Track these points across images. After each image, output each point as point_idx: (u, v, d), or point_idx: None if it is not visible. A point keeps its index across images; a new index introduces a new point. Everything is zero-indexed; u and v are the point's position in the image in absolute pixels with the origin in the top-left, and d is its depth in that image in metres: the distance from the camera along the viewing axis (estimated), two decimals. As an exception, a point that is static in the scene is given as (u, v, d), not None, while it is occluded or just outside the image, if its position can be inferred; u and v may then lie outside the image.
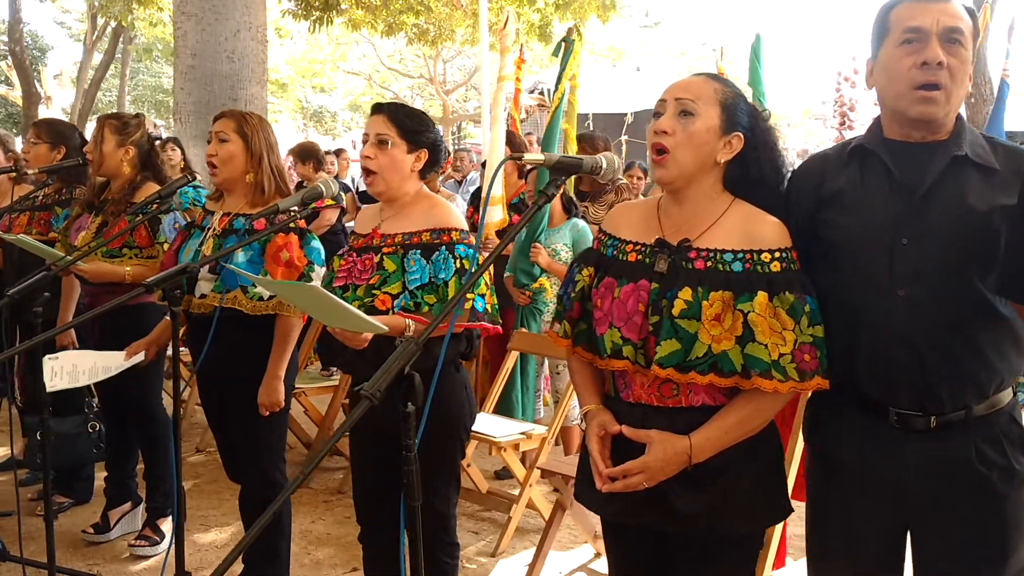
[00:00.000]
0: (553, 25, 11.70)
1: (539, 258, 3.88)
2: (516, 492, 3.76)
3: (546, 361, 4.01)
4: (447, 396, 2.44)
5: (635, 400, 1.86)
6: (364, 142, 2.44)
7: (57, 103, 19.04)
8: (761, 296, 1.72)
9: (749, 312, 1.71)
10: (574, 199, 4.18)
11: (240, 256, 2.77)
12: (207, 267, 2.80)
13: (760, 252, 1.76)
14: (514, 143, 4.75)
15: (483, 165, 5.43)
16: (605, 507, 1.91)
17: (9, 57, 18.96)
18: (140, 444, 3.64)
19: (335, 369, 4.85)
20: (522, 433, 3.68)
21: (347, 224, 6.86)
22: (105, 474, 3.81)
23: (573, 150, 4.70)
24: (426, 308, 2.34)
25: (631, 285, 1.82)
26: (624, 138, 11.01)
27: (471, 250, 2.39)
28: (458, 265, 2.35)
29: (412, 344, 1.48)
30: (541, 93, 14.25)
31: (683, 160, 1.79)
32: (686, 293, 1.75)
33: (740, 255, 1.76)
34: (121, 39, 18.96)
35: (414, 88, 32.16)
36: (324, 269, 2.87)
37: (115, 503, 3.75)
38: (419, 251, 2.37)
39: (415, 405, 1.47)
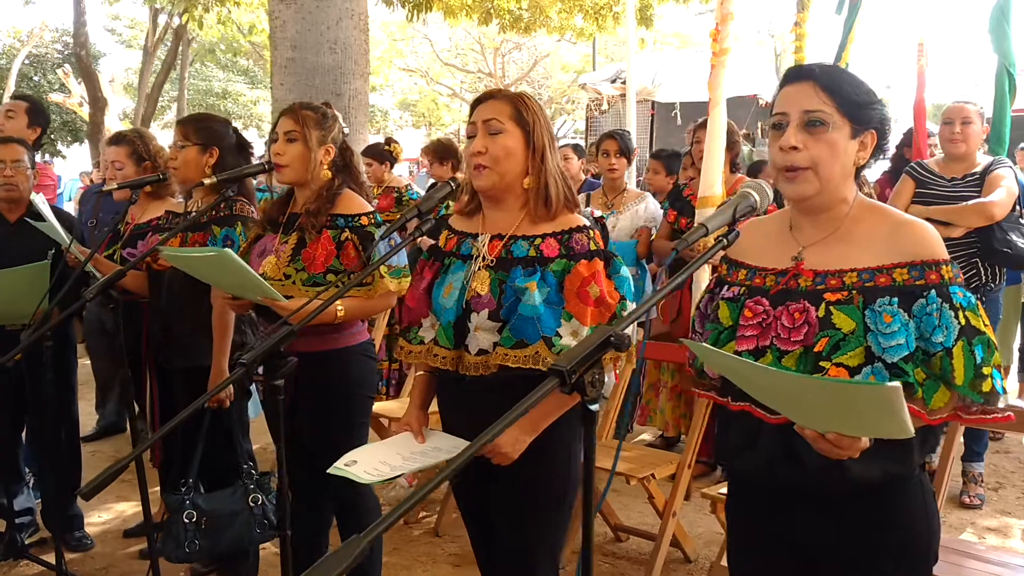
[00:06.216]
0: (654, 8, 10.75)
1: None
2: None
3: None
4: (919, 515, 1.63)
5: None
6: (777, 125, 1.62)
7: (113, 109, 18.64)
8: None
9: None
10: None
11: (536, 296, 1.98)
12: (486, 312, 2.00)
13: None
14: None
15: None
16: None
17: (66, 64, 18.50)
18: (342, 528, 2.85)
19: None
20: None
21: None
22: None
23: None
24: (919, 393, 1.49)
25: None
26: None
27: (971, 296, 1.54)
28: (962, 322, 1.49)
29: None
30: (624, 82, 13.33)
31: None
32: None
33: None
34: (181, 41, 18.41)
35: (464, 84, 31.41)
36: (634, 304, 2.08)
37: (301, 595, 2.97)
38: (894, 299, 1.51)
39: None
